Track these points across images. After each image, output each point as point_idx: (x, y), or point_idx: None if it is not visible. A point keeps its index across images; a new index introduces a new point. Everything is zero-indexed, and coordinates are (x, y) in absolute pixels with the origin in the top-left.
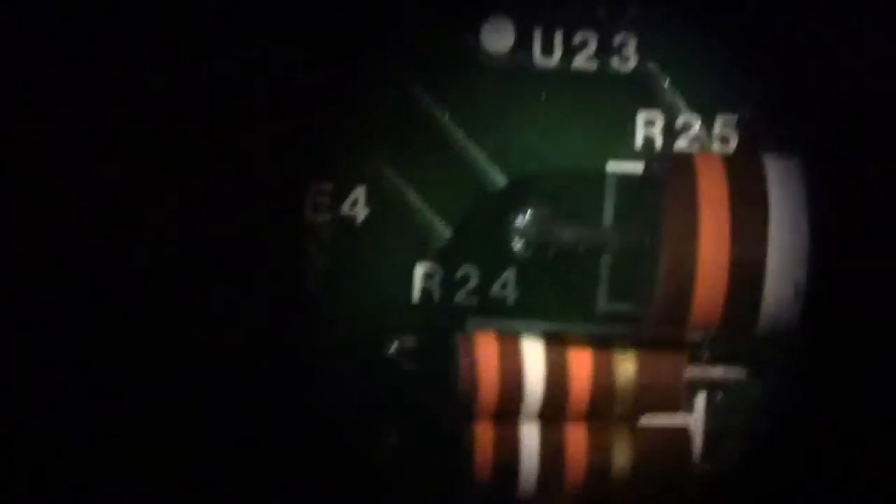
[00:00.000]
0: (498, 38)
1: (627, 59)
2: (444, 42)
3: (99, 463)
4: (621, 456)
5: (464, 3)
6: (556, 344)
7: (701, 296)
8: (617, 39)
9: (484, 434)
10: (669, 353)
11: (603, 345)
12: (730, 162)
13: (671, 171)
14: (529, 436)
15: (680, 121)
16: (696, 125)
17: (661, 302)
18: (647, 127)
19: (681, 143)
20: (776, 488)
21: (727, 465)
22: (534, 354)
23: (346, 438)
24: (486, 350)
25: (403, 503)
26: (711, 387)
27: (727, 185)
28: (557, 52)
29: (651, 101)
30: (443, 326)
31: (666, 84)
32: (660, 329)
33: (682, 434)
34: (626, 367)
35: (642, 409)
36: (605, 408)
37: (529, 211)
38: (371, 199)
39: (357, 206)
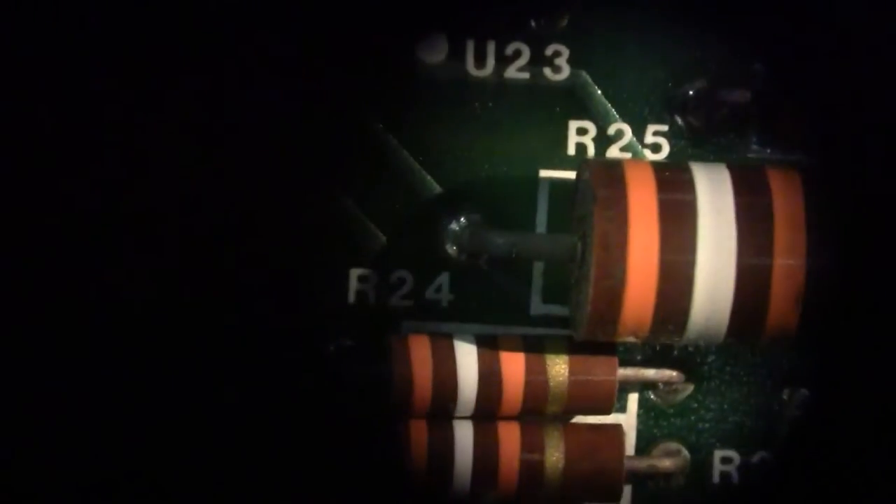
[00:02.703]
0: (432, 48)
1: (560, 70)
2: (379, 53)
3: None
4: (554, 453)
5: (398, 16)
6: (489, 346)
7: (630, 303)
8: (549, 50)
9: (418, 434)
10: (601, 356)
11: (536, 347)
12: (659, 170)
13: (601, 178)
14: (463, 435)
15: (612, 130)
16: (628, 134)
17: (591, 309)
18: (580, 135)
19: (612, 152)
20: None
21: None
22: (467, 356)
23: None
24: (419, 351)
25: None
26: (644, 387)
27: (656, 193)
28: (490, 63)
29: (583, 110)
30: (378, 329)
31: (598, 94)
32: (591, 333)
33: (615, 431)
34: (559, 369)
35: (575, 411)
36: (537, 408)
37: (463, 217)
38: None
39: None
